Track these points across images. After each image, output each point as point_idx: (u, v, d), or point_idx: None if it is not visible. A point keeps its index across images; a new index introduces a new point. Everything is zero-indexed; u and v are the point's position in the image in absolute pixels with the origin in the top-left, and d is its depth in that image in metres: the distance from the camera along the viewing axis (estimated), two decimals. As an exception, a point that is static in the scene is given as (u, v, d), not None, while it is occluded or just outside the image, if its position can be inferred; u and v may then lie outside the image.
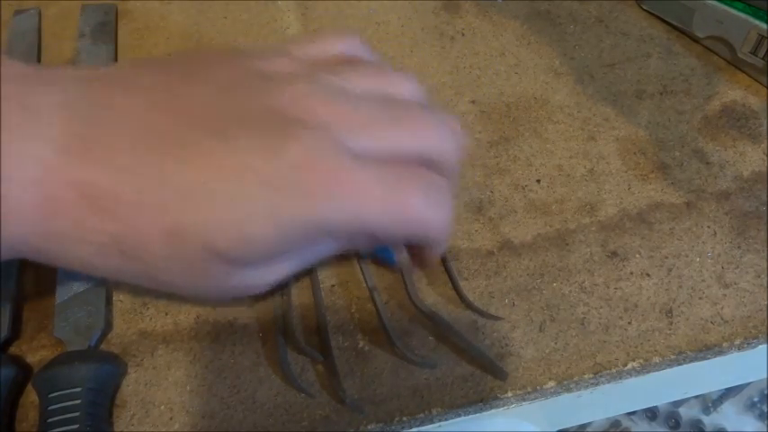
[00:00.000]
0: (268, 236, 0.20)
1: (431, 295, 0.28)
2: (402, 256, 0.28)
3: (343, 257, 0.29)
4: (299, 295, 0.28)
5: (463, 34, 0.40)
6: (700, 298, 0.29)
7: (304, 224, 0.20)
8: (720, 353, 0.28)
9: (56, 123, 0.19)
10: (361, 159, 0.21)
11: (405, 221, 0.22)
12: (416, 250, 0.27)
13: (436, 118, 0.24)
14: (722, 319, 0.28)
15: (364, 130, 0.22)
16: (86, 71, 0.22)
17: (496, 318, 0.28)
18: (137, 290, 0.28)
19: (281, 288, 0.28)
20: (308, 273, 0.29)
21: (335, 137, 0.21)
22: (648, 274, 0.30)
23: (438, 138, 0.23)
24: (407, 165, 0.22)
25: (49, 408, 0.23)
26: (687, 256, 0.30)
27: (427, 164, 0.23)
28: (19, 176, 0.19)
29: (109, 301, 0.28)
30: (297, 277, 0.28)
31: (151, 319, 0.28)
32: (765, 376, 0.30)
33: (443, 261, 0.29)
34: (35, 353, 0.26)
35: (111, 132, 0.20)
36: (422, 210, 0.22)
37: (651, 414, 0.64)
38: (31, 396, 0.25)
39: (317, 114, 0.21)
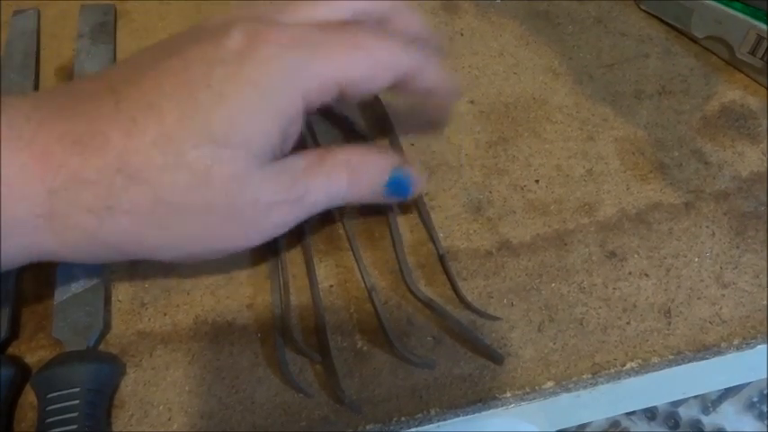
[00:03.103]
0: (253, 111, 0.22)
1: (429, 295, 0.28)
2: (418, 182, 0.28)
3: (341, 256, 0.29)
4: (298, 295, 0.28)
5: (462, 34, 0.40)
6: (698, 298, 0.29)
7: (288, 86, 0.23)
8: (719, 353, 0.28)
9: (29, 115, 0.21)
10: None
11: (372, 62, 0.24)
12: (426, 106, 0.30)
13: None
14: (721, 319, 0.28)
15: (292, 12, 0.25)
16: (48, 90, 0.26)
17: (495, 318, 0.28)
18: (136, 290, 0.28)
19: (275, 249, 0.28)
20: (305, 252, 0.29)
21: (267, 19, 0.24)
22: (647, 275, 0.30)
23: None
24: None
25: (48, 408, 0.23)
26: (686, 257, 0.30)
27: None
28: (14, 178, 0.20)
29: (107, 302, 0.28)
30: (289, 238, 0.28)
31: (150, 319, 0.28)
32: (765, 376, 0.30)
33: (442, 261, 0.29)
34: (34, 353, 0.26)
35: (76, 94, 0.23)
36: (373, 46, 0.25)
37: (650, 414, 0.64)
38: (29, 396, 0.25)
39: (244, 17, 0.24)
